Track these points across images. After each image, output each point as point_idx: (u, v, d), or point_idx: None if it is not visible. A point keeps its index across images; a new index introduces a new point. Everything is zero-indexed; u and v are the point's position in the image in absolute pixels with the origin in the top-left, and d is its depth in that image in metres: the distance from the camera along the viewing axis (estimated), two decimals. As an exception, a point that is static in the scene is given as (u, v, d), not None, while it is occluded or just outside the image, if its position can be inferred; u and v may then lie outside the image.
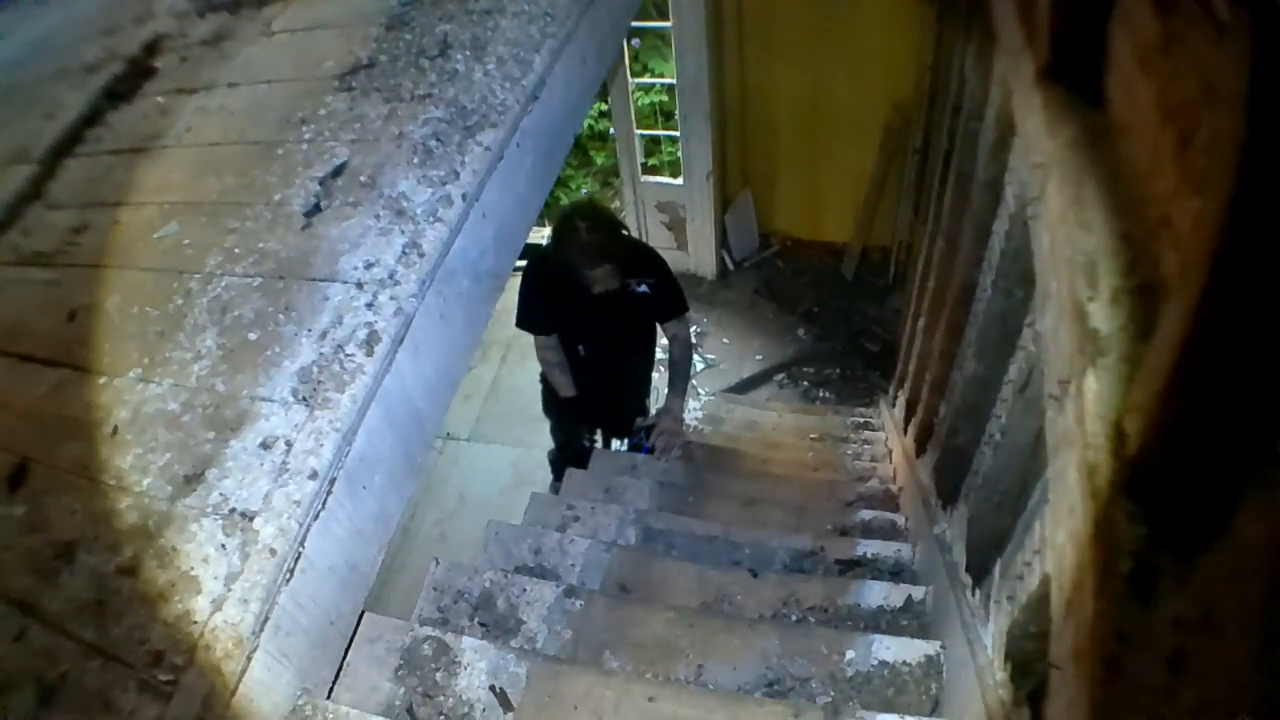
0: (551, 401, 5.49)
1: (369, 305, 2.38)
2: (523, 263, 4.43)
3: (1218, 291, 1.03)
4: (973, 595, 2.70)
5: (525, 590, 3.03)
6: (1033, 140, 1.95)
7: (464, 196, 2.62)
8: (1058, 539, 1.56)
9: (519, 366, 7.72)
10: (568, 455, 5.64)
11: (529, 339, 4.93)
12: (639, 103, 8.48)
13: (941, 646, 2.81)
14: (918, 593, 3.26)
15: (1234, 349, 1.06)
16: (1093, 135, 1.68)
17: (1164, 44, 1.33)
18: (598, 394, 5.12)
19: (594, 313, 4.45)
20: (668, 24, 7.44)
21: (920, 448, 4.34)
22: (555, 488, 5.76)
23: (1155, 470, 1.21)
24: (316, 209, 2.70)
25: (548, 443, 6.03)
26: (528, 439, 7.01)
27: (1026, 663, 2.05)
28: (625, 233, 4.34)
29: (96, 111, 3.54)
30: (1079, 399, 1.41)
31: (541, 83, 2.98)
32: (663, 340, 5.22)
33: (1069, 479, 1.45)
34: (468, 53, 3.04)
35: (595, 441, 5.61)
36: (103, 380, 2.47)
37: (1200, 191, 1.13)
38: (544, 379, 5.36)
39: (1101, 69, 1.67)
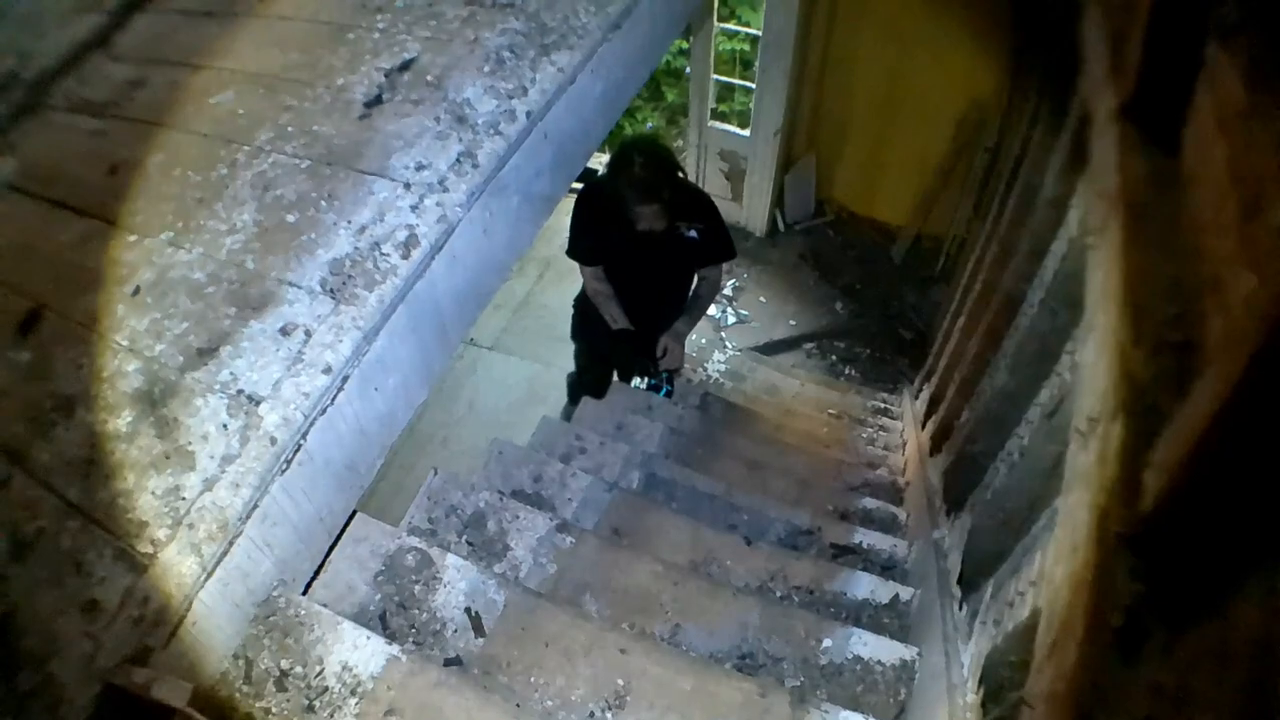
0: (582, 329, 5.47)
1: (413, 208, 2.34)
2: (578, 186, 4.37)
3: (1259, 377, 1.01)
4: (959, 609, 2.67)
5: (518, 517, 3.01)
6: (1104, 171, 1.91)
7: (529, 114, 2.57)
8: (1056, 575, 1.55)
9: (554, 285, 7.73)
10: (586, 381, 5.67)
11: (567, 259, 4.86)
12: (720, 48, 8.35)
13: (918, 653, 2.79)
14: (905, 593, 3.24)
15: (1265, 434, 1.04)
16: (1162, 179, 1.65)
17: (1247, 112, 1.29)
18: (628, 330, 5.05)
19: (639, 249, 4.40)
20: (764, -27, 7.27)
21: (935, 446, 4.30)
22: (568, 411, 5.76)
23: (1164, 531, 1.20)
24: (378, 100, 2.65)
25: (567, 363, 6.03)
26: (548, 357, 7.02)
27: (1000, 692, 2.04)
28: (681, 175, 4.27)
29: (178, -32, 3.47)
30: (1105, 440, 1.39)
31: (627, 12, 2.91)
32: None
33: (1078, 518, 1.44)
34: (558, -33, 2.96)
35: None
36: (132, 238, 2.44)
37: (1257, 270, 1.11)
38: (578, 305, 5.34)
39: (1181, 116, 1.62)
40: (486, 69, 2.67)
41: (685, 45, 8.64)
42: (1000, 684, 2.04)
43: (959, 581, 2.80)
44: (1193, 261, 1.39)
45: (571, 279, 5.06)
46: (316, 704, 2.05)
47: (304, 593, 2.35)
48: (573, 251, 4.68)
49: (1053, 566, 1.61)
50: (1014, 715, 1.66)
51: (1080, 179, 2.41)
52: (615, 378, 5.68)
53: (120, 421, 2.05)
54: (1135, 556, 1.22)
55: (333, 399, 2.10)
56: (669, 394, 5.18)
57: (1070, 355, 2.29)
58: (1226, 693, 1.09)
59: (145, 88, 2.95)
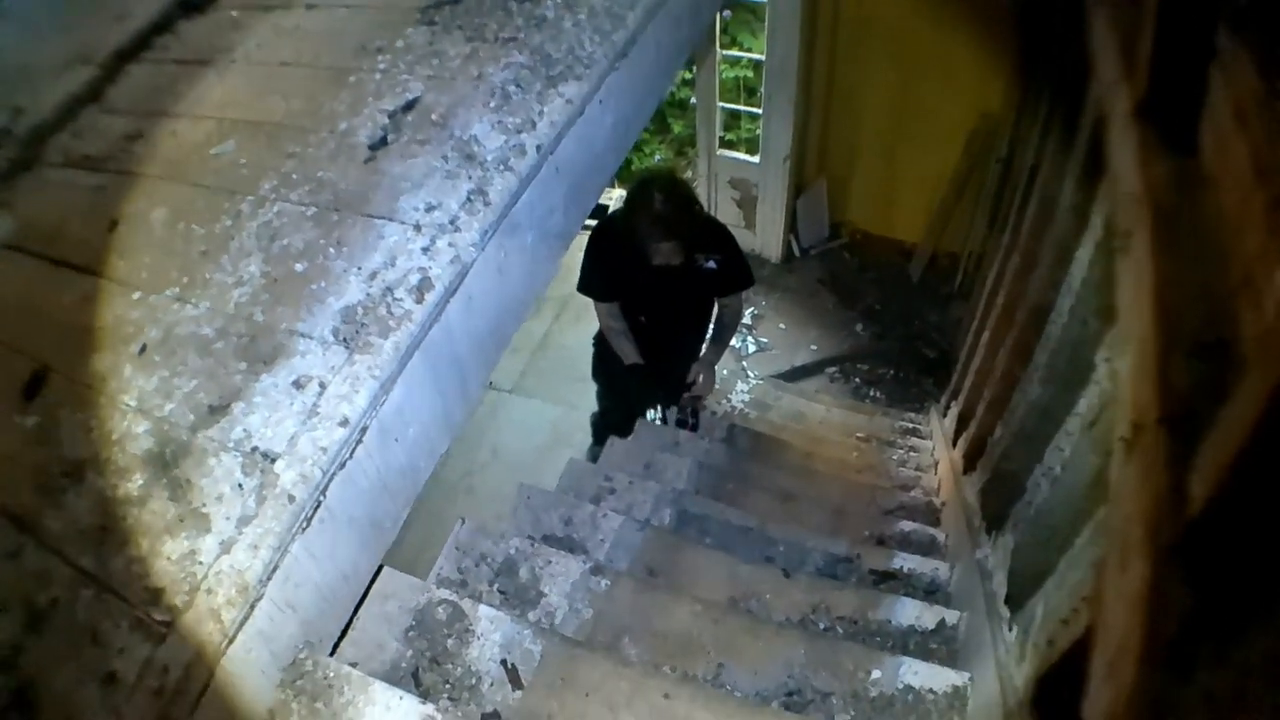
0: (601, 367, 5.44)
1: (425, 250, 2.28)
2: (592, 222, 4.33)
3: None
4: (1009, 630, 2.60)
5: (551, 562, 2.95)
6: (1124, 174, 1.90)
7: (539, 148, 2.51)
8: (1108, 591, 1.50)
9: (571, 325, 7.69)
10: (610, 421, 5.61)
11: (585, 299, 4.83)
12: (723, 75, 8.34)
13: (970, 679, 2.70)
14: (951, 617, 3.17)
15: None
16: (1184, 180, 1.64)
17: (1264, 102, 1.31)
18: (649, 363, 5.00)
19: (656, 284, 4.35)
20: (763, -1, 7.27)
21: (969, 464, 4.23)
22: (594, 452, 5.76)
23: (1213, 537, 1.17)
24: (383, 143, 2.60)
25: (590, 404, 6.02)
26: (571, 398, 6.98)
27: (1057, 716, 1.96)
28: (698, 209, 4.22)
29: (168, 19, 3.46)
30: (1149, 449, 1.36)
31: (633, 40, 2.86)
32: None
33: (1128, 531, 1.40)
34: (559, 0, 2.91)
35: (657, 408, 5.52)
36: (137, 295, 2.39)
37: None
38: (597, 343, 5.31)
39: (1197, 113, 1.63)
40: (492, 104, 2.62)
41: (689, 75, 8.63)
42: (1058, 708, 1.96)
43: (1006, 601, 2.72)
44: (1222, 260, 1.39)
45: (589, 317, 5.01)
46: (351, 771, 1.98)
47: (331, 653, 2.28)
48: (586, 288, 4.66)
49: (1104, 582, 1.55)
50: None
51: (1100, 184, 2.39)
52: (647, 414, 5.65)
53: (131, 485, 1.98)
54: (1185, 564, 1.19)
55: (351, 452, 2.03)
56: (694, 428, 5.13)
57: (1107, 363, 2.23)
58: (1281, 701, 1.08)
59: (143, 140, 2.91)
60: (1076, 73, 2.93)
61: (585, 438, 6.25)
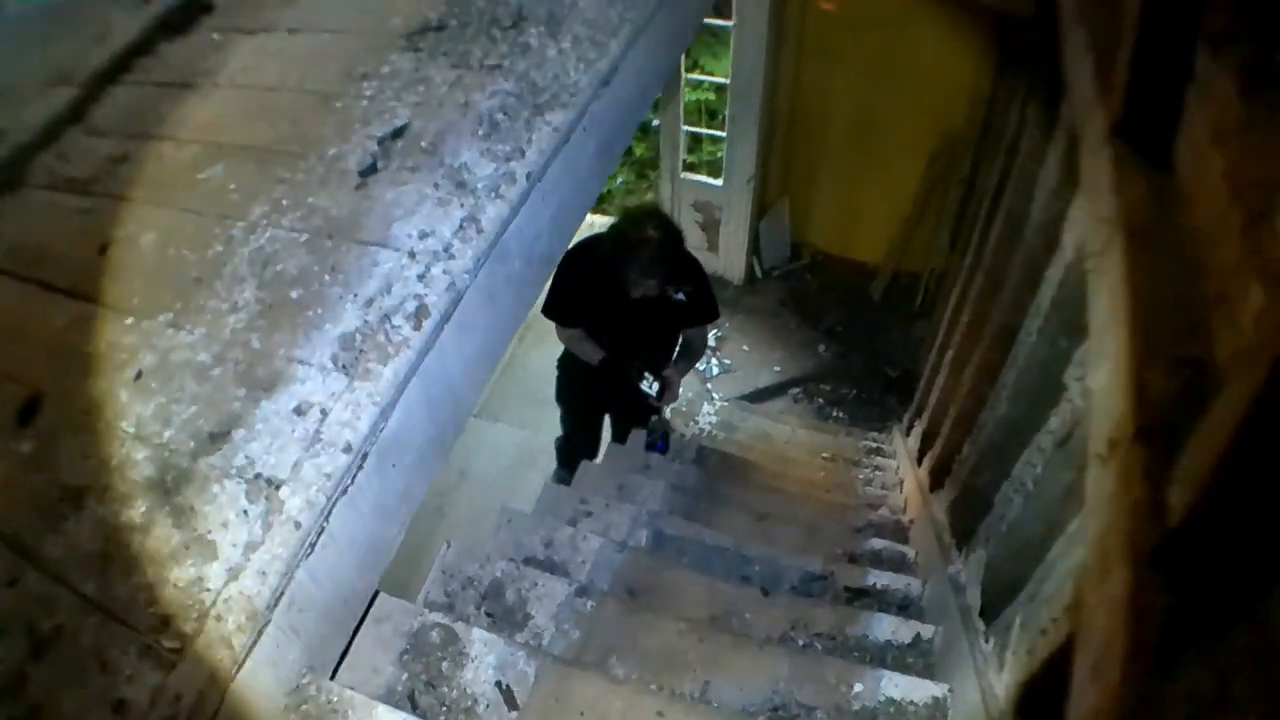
0: (566, 388, 5.49)
1: (420, 277, 2.30)
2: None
3: (1277, 391, 1.01)
4: (986, 642, 2.64)
5: (537, 584, 2.96)
6: (1099, 193, 1.93)
7: (528, 175, 2.54)
8: (1089, 599, 1.53)
9: (535, 348, 7.66)
10: (574, 444, 5.66)
11: (548, 322, 4.81)
12: (686, 98, 8.39)
13: (949, 689, 2.75)
14: (926, 631, 3.22)
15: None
16: (1159, 197, 1.66)
17: (1244, 122, 1.32)
18: (613, 386, 5.02)
19: (625, 313, 4.40)
20: (729, 22, 7.36)
21: (936, 482, 4.28)
22: (560, 475, 5.77)
23: (1193, 545, 1.20)
24: (373, 169, 2.62)
25: (554, 428, 6.01)
26: (535, 421, 6.98)
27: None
28: (684, 245, 4.28)
29: (148, 40, 3.44)
30: (1126, 462, 1.38)
31: (615, 68, 2.90)
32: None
33: (1107, 541, 1.42)
34: (542, 28, 2.95)
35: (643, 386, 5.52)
36: (130, 320, 2.38)
37: (1266, 282, 1.13)
38: (560, 366, 5.35)
39: (1173, 133, 1.65)
40: (481, 132, 2.65)
41: (651, 99, 8.66)
42: (1041, 713, 2.00)
43: (981, 614, 2.77)
44: (1198, 277, 1.41)
45: (552, 341, 5.02)
46: (358, 795, 1.99)
47: (331, 677, 2.28)
48: (552, 311, 4.65)
49: (1085, 591, 1.59)
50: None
51: (1073, 203, 2.42)
52: (607, 440, 5.71)
53: (134, 512, 1.98)
54: (1166, 570, 1.22)
55: (353, 478, 2.04)
56: (664, 450, 5.16)
57: (1079, 381, 2.28)
58: (1266, 695, 1.11)
59: (129, 163, 2.90)
60: (1050, 90, 2.97)
61: (549, 461, 6.24)
